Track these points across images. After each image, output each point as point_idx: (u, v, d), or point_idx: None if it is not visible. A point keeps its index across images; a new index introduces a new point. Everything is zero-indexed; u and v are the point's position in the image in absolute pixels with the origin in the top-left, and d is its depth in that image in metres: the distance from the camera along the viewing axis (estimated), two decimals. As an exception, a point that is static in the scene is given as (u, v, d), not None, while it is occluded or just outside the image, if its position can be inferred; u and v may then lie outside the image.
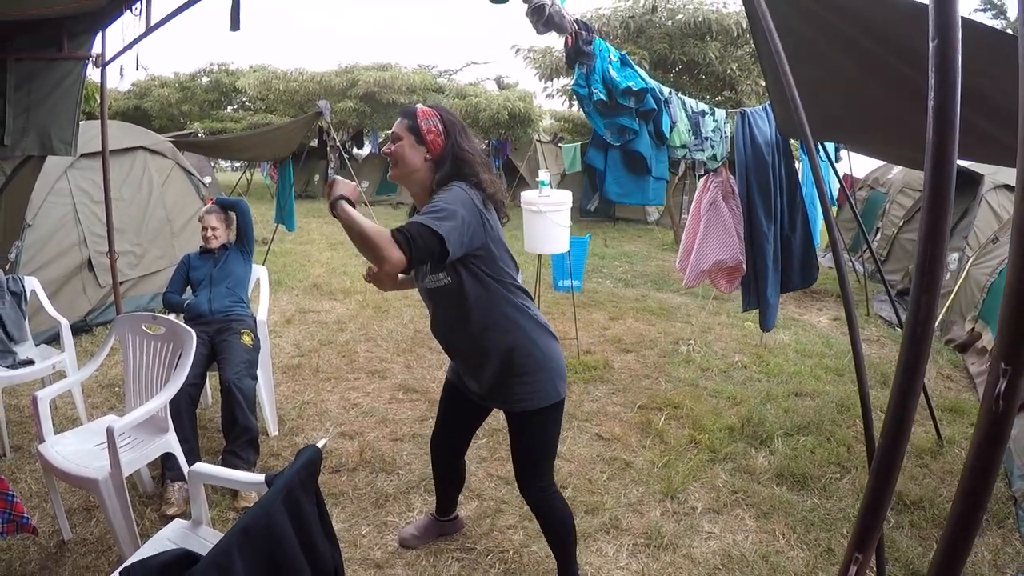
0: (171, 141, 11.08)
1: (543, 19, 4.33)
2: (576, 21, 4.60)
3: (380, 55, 66.29)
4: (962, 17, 1.43)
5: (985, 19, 36.88)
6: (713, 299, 9.81)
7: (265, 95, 29.01)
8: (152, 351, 4.69)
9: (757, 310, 6.58)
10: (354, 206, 2.74)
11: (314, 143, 18.29)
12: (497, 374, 3.35)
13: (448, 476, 4.19)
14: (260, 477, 2.79)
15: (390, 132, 3.31)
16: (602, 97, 4.87)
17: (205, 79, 33.88)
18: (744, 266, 6.27)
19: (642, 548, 4.34)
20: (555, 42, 19.10)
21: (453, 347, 3.56)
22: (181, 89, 32.91)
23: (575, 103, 14.96)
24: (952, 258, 10.08)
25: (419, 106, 3.24)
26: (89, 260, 8.34)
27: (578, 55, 4.75)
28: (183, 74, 32.76)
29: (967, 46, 1.42)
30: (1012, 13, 34.10)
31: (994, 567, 4.22)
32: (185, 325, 4.61)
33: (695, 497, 4.96)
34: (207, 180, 10.32)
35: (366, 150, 30.73)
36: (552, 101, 25.94)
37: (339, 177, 2.88)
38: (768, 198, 5.88)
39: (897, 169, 13.30)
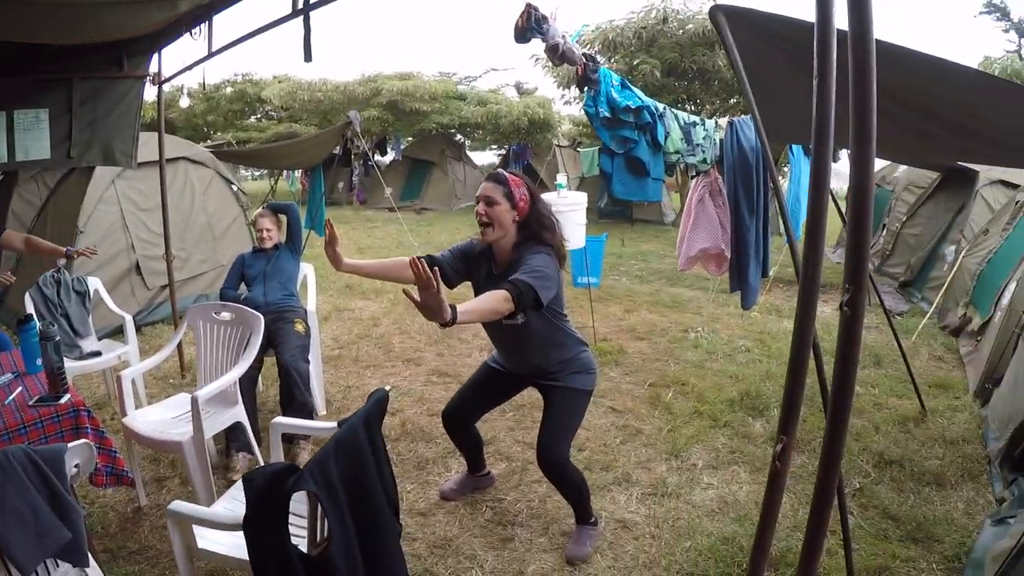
0: (210, 151, 11.50)
1: (558, 55, 4.99)
2: (584, 54, 5.25)
3: (401, 62, 65.85)
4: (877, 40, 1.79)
5: (990, 22, 36.95)
6: (721, 292, 10.24)
7: (290, 105, 29.09)
8: (221, 336, 5.28)
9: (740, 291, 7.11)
10: (455, 310, 3.06)
11: (338, 151, 18.80)
12: (553, 369, 4.23)
13: (464, 441, 4.87)
14: (332, 424, 3.37)
15: (481, 195, 3.89)
16: (607, 114, 5.55)
17: (229, 89, 33.79)
18: (727, 253, 6.85)
19: (649, 496, 4.96)
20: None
21: (516, 357, 4.37)
22: (206, 99, 32.86)
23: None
24: (949, 250, 10.51)
25: (509, 175, 3.92)
26: (137, 264, 8.83)
27: (587, 81, 5.40)
28: (208, 85, 32.65)
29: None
30: (1015, 15, 33.97)
31: (966, 515, 4.71)
32: (253, 310, 5.18)
33: (697, 456, 5.56)
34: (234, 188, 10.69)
35: (389, 157, 30.94)
36: (571, 107, 26.17)
37: (421, 305, 2.92)
38: (751, 196, 6.45)
39: (903, 168, 13.41)
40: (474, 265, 4.12)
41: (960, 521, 4.62)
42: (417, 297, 2.88)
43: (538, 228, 3.89)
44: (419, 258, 2.85)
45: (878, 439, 5.84)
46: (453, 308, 3.02)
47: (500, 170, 4.04)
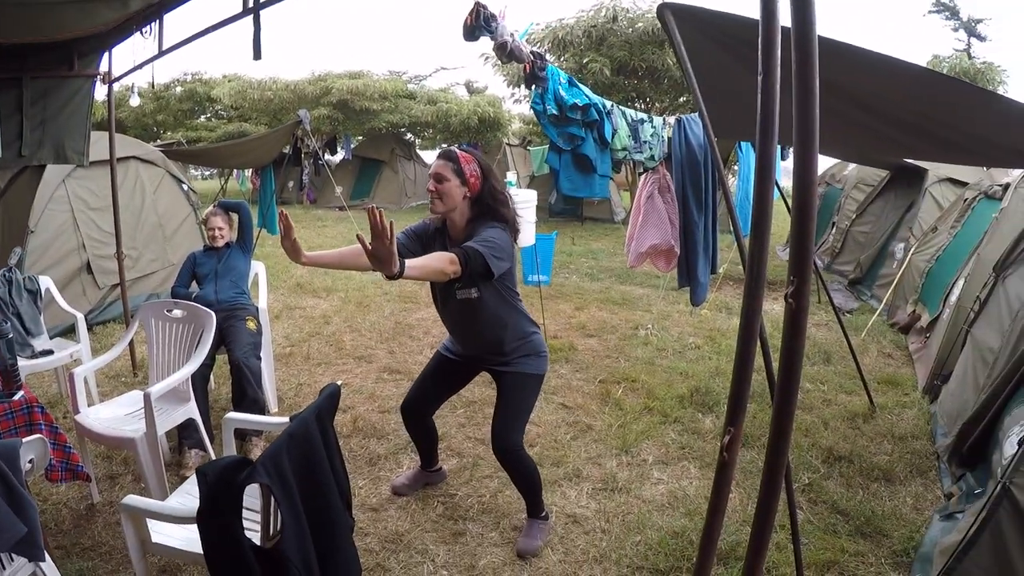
0: (161, 150, 11.43)
1: (506, 52, 5.03)
2: (532, 52, 5.29)
3: (351, 60, 65.65)
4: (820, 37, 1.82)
5: (939, 20, 37.43)
6: (671, 290, 10.38)
7: (240, 104, 29.01)
8: (173, 333, 5.29)
9: (689, 287, 7.21)
10: (403, 264, 3.20)
11: (288, 150, 18.62)
12: (506, 351, 4.25)
13: (421, 434, 4.88)
14: (285, 419, 3.39)
15: (432, 172, 3.95)
16: (554, 112, 5.60)
17: (179, 89, 33.64)
18: (677, 249, 6.93)
19: (600, 491, 5.01)
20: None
21: (470, 336, 4.38)
22: (156, 99, 32.68)
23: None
24: (899, 247, 10.66)
25: (459, 151, 3.98)
26: (88, 263, 8.75)
27: (534, 79, 5.45)
28: (158, 84, 32.36)
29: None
30: (964, 13, 34.40)
31: (914, 510, 4.79)
32: (205, 308, 5.19)
33: (647, 451, 5.62)
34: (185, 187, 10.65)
35: (339, 156, 30.86)
36: (520, 106, 26.28)
37: (372, 253, 3.02)
38: (699, 192, 6.56)
39: (852, 166, 13.57)
40: (429, 243, 4.16)
41: (908, 516, 4.69)
42: (369, 245, 2.95)
43: (492, 203, 3.96)
44: (375, 208, 2.90)
45: (827, 435, 5.91)
46: (402, 262, 3.12)
47: (452, 147, 4.10)
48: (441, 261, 3.45)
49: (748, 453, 5.55)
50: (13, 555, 3.08)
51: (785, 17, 1.87)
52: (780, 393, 1.97)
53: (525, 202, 7.41)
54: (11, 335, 3.91)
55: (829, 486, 5.08)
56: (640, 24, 17.91)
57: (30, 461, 3.06)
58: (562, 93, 5.61)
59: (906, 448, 5.68)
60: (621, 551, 4.31)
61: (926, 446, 5.72)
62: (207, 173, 42.02)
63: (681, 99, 20.44)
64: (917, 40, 77.36)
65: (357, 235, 3.02)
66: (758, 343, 3.00)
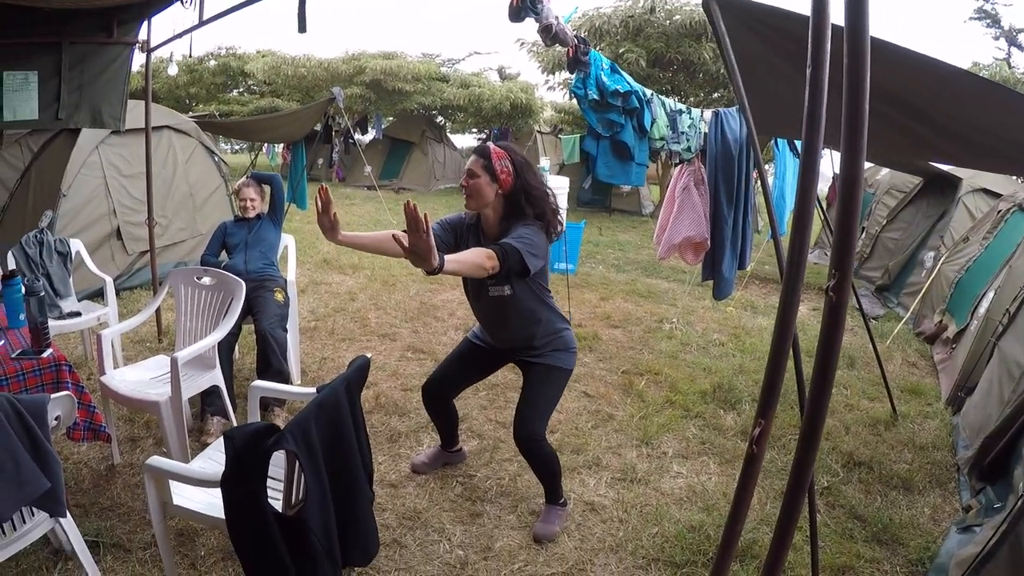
0: (195, 121, 11.51)
1: (551, 35, 5.02)
2: (576, 36, 5.28)
3: (384, 41, 65.64)
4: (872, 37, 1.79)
5: (980, 28, 37.08)
6: (698, 285, 10.35)
7: (273, 80, 29.13)
8: (201, 301, 5.32)
9: (713, 281, 7.19)
10: (443, 258, 3.14)
11: (319, 127, 18.57)
12: (536, 345, 4.27)
13: (441, 416, 4.89)
14: (311, 389, 3.40)
15: (465, 168, 3.95)
16: (595, 97, 5.59)
17: (212, 62, 33.76)
18: (708, 243, 6.89)
19: (619, 481, 5.00)
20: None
21: (502, 330, 4.38)
22: (189, 71, 32.84)
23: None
24: (928, 256, 10.56)
25: (493, 147, 3.94)
26: (118, 229, 8.82)
27: (577, 63, 5.44)
28: (192, 57, 32.50)
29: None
30: (1005, 22, 34.05)
31: (932, 520, 4.73)
32: (235, 276, 5.22)
33: (667, 444, 5.60)
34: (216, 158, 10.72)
35: (369, 136, 30.88)
36: (553, 93, 26.26)
37: (410, 249, 2.94)
38: (731, 187, 6.51)
39: (885, 171, 13.40)
40: (463, 237, 4.15)
41: (926, 526, 4.64)
42: (406, 242, 2.90)
43: (525, 202, 3.91)
44: (412, 203, 2.86)
45: (848, 440, 5.87)
46: (441, 257, 3.07)
47: (488, 143, 4.08)
48: (479, 257, 3.43)
49: (769, 452, 5.47)
50: (34, 510, 3.10)
51: (834, 14, 1.86)
52: (815, 384, 1.95)
53: (558, 188, 7.41)
54: (43, 293, 3.94)
55: (848, 491, 5.04)
56: (677, 16, 17.88)
57: (56, 417, 3.07)
58: (604, 79, 5.60)
59: (926, 458, 5.63)
60: (637, 542, 4.30)
61: (947, 457, 5.66)
62: (237, 147, 42.10)
63: (715, 94, 20.38)
64: (957, 46, 76.74)
65: (393, 235, 2.98)
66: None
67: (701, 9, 4.21)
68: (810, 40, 1.90)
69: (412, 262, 3.00)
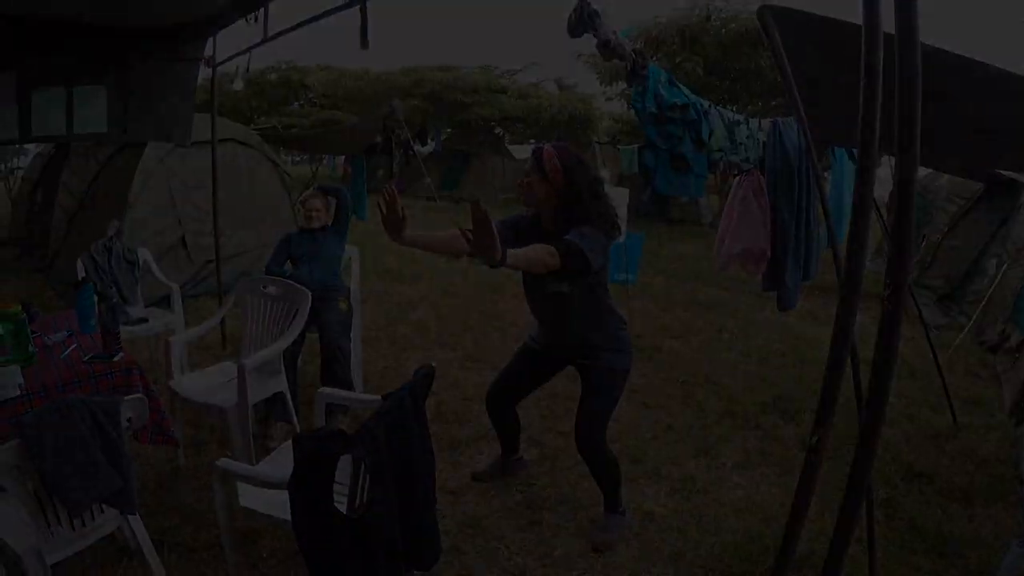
0: (258, 133, 11.69)
1: (609, 49, 5.05)
2: (634, 50, 5.31)
3: (441, 54, 65.82)
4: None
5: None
6: (758, 296, 10.26)
7: (332, 92, 29.48)
8: (267, 310, 5.44)
9: (776, 292, 7.12)
10: (505, 252, 3.22)
11: (378, 138, 18.53)
12: (593, 345, 4.28)
13: (504, 424, 4.95)
14: (376, 397, 3.46)
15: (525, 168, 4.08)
16: (653, 111, 5.60)
17: (273, 76, 34.04)
18: (768, 253, 6.85)
19: (678, 491, 5.03)
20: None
21: (559, 329, 4.43)
22: (252, 84, 33.12)
23: (634, 106, 15.43)
24: (991, 264, 10.41)
25: (545, 148, 4.02)
26: (183, 239, 9.06)
27: (635, 77, 5.46)
28: (247, 72, 32.54)
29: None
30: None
31: (992, 534, 4.65)
32: (301, 286, 5.32)
33: (726, 455, 5.61)
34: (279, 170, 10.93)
35: (429, 147, 31.01)
36: (611, 104, 26.29)
37: (474, 243, 3.03)
38: (791, 197, 6.50)
39: (945, 177, 13.20)
40: (523, 235, 4.12)
41: (986, 540, 4.57)
42: (471, 236, 2.97)
43: (577, 199, 3.93)
44: (478, 202, 2.94)
45: (908, 451, 5.81)
46: (504, 249, 3.13)
47: (543, 144, 4.16)
48: (542, 252, 3.47)
49: (827, 464, 5.41)
50: (104, 507, 3.19)
51: (887, 23, 1.88)
52: (871, 394, 1.97)
53: (618, 200, 7.37)
54: (115, 300, 4.05)
55: (907, 503, 4.99)
56: (733, 25, 17.83)
57: (128, 419, 3.16)
58: (662, 92, 5.61)
59: (988, 471, 5.55)
60: (696, 551, 4.32)
61: (1009, 471, 5.57)
62: (297, 159, 42.45)
63: (773, 103, 20.26)
64: (1015, 48, 75.38)
65: (460, 230, 3.05)
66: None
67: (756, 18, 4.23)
68: (864, 48, 1.93)
69: (476, 254, 3.07)
